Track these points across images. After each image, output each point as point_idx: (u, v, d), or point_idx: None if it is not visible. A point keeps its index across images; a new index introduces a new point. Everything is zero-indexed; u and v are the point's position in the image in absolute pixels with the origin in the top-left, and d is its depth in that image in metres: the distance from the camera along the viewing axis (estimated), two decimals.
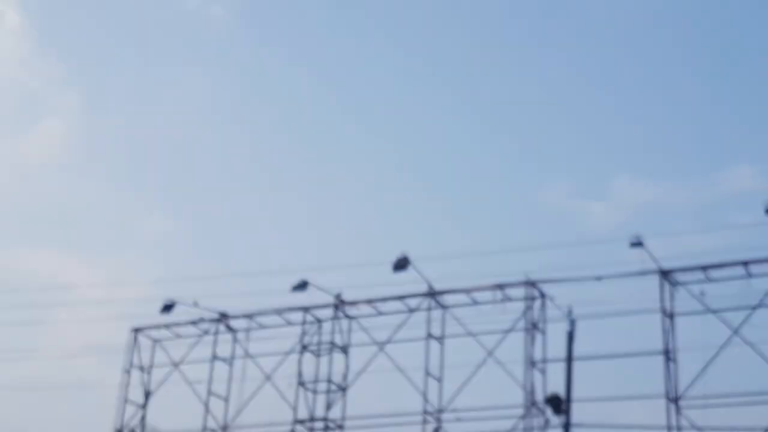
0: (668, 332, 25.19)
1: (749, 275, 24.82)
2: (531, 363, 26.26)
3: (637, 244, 25.03)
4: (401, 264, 27.83)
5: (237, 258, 51.01)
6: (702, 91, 56.91)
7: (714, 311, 24.85)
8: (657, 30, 58.68)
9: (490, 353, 26.82)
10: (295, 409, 29.07)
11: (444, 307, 28.34)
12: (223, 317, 31.48)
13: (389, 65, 62.85)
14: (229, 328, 31.52)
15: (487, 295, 27.70)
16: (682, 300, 25.74)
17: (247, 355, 30.84)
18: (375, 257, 31.58)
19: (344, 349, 29.59)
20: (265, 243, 56.35)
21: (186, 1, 67.37)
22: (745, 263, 24.63)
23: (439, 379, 27.76)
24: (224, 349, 31.43)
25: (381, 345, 28.69)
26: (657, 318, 25.40)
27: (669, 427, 24.11)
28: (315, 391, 29.26)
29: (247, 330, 31.16)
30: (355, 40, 64.96)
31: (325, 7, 65.08)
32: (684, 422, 24.15)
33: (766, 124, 53.64)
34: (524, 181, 57.52)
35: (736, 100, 55.74)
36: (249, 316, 31.05)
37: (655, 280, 25.64)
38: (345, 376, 29.27)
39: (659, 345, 25.07)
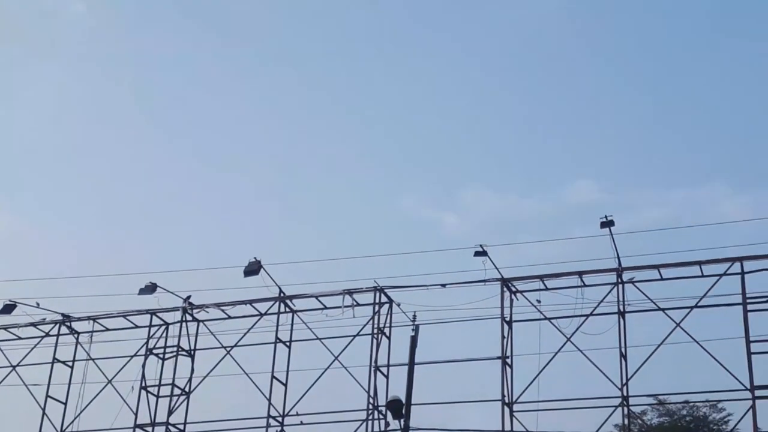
0: (506, 338, 26.19)
1: (584, 284, 26.06)
2: (375, 367, 26.78)
3: (481, 253, 25.95)
4: (252, 269, 27.87)
5: (83, 260, 49.76)
6: (547, 108, 59.33)
7: (549, 318, 26.02)
8: (502, 49, 60.71)
9: (336, 357, 27.21)
10: (136, 413, 28.62)
11: (293, 311, 28.55)
12: (66, 319, 30.68)
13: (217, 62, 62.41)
14: (72, 330, 30.73)
15: (336, 300, 28.07)
16: (522, 307, 26.90)
17: (90, 358, 30.16)
18: (227, 262, 31.56)
19: (190, 353, 29.36)
20: (115, 245, 55.07)
21: None
22: (580, 273, 25.87)
23: (285, 384, 27.93)
24: (67, 352, 30.70)
25: (228, 349, 28.64)
26: (497, 324, 26.40)
27: (503, 431, 25.01)
28: (158, 396, 28.88)
29: (91, 333, 30.48)
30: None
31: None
32: (517, 426, 25.13)
33: (607, 142, 56.41)
34: (381, 191, 58.51)
35: (579, 118, 58.35)
36: (93, 319, 30.40)
37: (496, 288, 26.62)
38: (190, 381, 29.05)
39: (498, 351, 26.04)
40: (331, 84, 61.14)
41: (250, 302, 28.82)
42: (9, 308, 30.15)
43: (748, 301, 24.23)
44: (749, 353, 23.59)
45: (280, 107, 61.70)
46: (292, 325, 28.48)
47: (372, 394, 26.41)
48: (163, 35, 63.69)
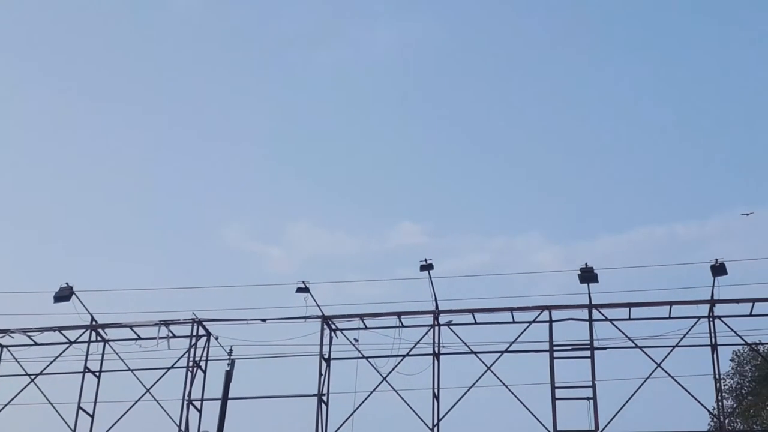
0: (323, 375, 26.29)
1: (402, 325, 26.55)
2: (189, 401, 26.22)
3: (303, 289, 26.02)
4: (63, 294, 26.79)
5: None
6: (376, 151, 60.37)
7: (367, 357, 26.32)
8: (332, 88, 61.50)
9: (147, 390, 26.47)
10: None
11: (105, 340, 27.59)
12: None
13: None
14: None
15: (152, 331, 27.35)
16: (341, 345, 27.10)
17: None
18: (36, 286, 30.18)
19: None
20: None
21: None
22: (399, 314, 26.36)
23: (92, 415, 26.88)
24: None
25: (33, 377, 27.32)
26: (316, 361, 26.46)
27: None
28: None
29: None
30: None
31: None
32: None
33: (432, 187, 57.96)
34: (205, 220, 57.56)
35: (406, 162, 59.68)
36: None
37: (317, 325, 26.71)
38: None
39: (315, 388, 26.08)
40: (154, 106, 59.94)
41: (59, 329, 27.65)
42: None
43: (554, 348, 25.36)
44: (554, 398, 24.66)
45: (89, 129, 59.79)
46: (103, 354, 27.56)
47: (183, 428, 25.82)
48: None
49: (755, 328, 25.46)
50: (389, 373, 25.84)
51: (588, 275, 25.02)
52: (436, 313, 26.23)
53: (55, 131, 58.99)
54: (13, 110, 59.24)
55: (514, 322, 26.07)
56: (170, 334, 27.01)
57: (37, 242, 54.88)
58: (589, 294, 25.41)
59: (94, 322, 27.44)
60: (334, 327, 26.96)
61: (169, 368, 26.75)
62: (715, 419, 27.32)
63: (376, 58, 62.06)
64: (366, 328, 26.85)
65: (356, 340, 26.50)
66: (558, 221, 56.00)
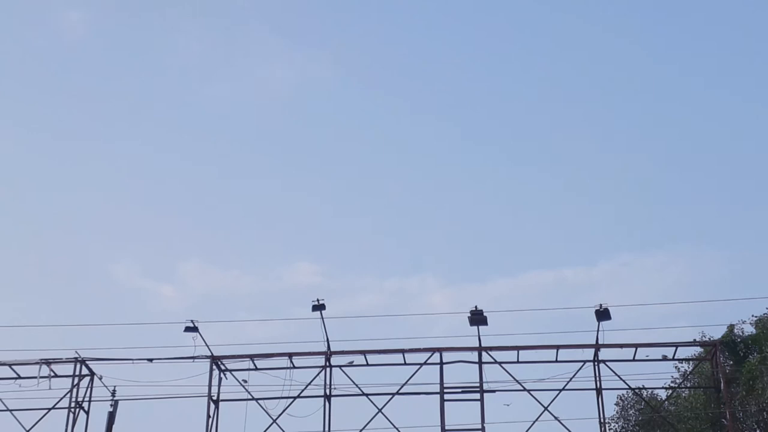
0: (212, 417, 25.80)
1: (293, 366, 26.32)
2: None
3: (192, 329, 25.58)
4: None
5: None
6: (273, 190, 60.15)
7: (256, 399, 25.95)
8: (232, 130, 61.25)
9: (27, 431, 25.50)
10: None
11: None
12: None
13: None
14: None
15: (32, 370, 26.36)
16: (231, 386, 26.66)
17: None
18: None
19: None
20: None
21: None
22: (290, 355, 26.14)
23: None
24: None
25: None
26: (205, 402, 25.98)
27: None
28: None
29: None
30: None
31: None
32: None
33: (327, 227, 57.95)
34: (91, 255, 56.00)
35: (304, 203, 59.65)
36: None
37: (206, 365, 26.25)
38: None
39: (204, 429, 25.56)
40: (41, 138, 58.42)
41: None
42: None
43: (445, 390, 25.54)
44: None
45: None
46: None
47: None
48: None
49: (639, 373, 26.24)
50: (279, 415, 25.61)
51: (478, 318, 25.36)
52: (328, 354, 26.11)
53: None
54: None
55: (405, 363, 26.17)
56: (52, 374, 26.10)
57: None
58: (479, 336, 25.77)
59: None
60: (223, 367, 26.53)
61: (50, 409, 25.84)
62: None
63: (271, 94, 62.14)
64: (256, 369, 26.53)
65: (245, 381, 26.15)
66: (451, 264, 56.70)
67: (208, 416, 25.71)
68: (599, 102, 60.43)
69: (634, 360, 26.02)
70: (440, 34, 63.11)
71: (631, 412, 32.00)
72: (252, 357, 26.31)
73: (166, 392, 26.08)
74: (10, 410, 26.02)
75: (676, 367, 29.55)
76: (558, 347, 25.78)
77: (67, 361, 26.25)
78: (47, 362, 26.11)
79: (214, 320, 27.02)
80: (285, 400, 25.91)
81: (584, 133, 59.11)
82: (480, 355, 25.80)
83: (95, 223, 57.25)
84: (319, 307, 25.51)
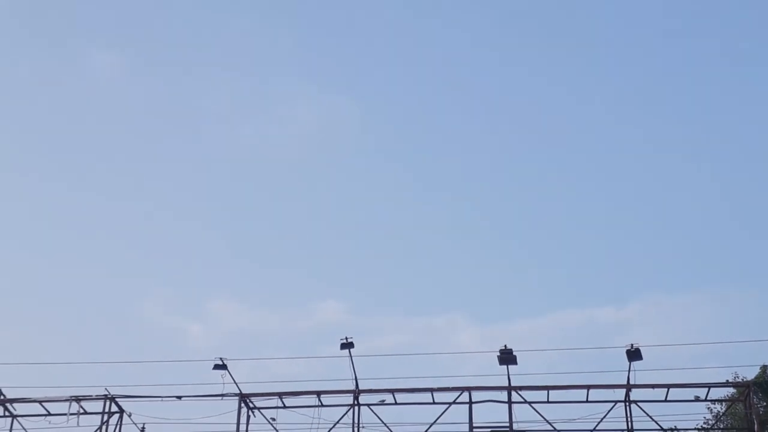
0: None
1: (321, 404, 26.23)
2: None
3: (221, 366, 25.61)
4: None
5: None
6: (299, 226, 60.36)
7: None
8: (256, 161, 61.59)
9: None
10: None
11: (13, 416, 26.61)
12: None
13: None
14: None
15: (62, 407, 26.49)
16: (259, 424, 26.59)
17: None
18: None
19: None
20: None
21: None
22: (319, 393, 26.05)
23: None
24: None
25: None
26: None
27: None
28: None
29: None
30: None
31: None
32: None
33: (356, 266, 58.04)
34: (121, 294, 56.34)
35: (331, 240, 59.79)
36: None
37: (234, 403, 26.23)
38: None
39: None
40: (72, 179, 59.15)
41: None
42: None
43: (474, 429, 25.30)
44: None
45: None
46: (11, 430, 26.52)
47: None
48: None
49: (671, 414, 25.88)
50: None
51: (507, 357, 25.18)
52: (356, 393, 26.00)
53: None
54: None
55: (434, 402, 25.99)
56: (81, 410, 26.21)
57: None
58: (509, 376, 25.55)
59: (2, 396, 26.48)
60: (251, 405, 26.48)
61: None
62: None
63: (297, 132, 62.61)
64: (285, 407, 26.45)
65: (273, 419, 26.06)
66: (480, 303, 56.47)
67: None
68: (636, 139, 60.24)
69: (666, 401, 25.66)
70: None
71: None
72: (280, 395, 26.25)
73: (194, 430, 26.14)
74: None
75: (708, 408, 29.23)
76: (589, 387, 25.51)
77: (97, 398, 26.35)
78: (77, 399, 26.22)
79: (243, 357, 27.07)
80: None
81: (612, 170, 58.98)
82: (510, 395, 25.58)
83: (125, 261, 57.67)
84: (347, 345, 25.45)
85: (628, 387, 25.41)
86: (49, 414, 26.52)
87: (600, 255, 57.01)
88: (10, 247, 56.20)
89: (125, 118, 61.74)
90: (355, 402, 25.96)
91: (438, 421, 25.57)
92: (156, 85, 62.18)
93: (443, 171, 60.90)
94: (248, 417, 26.40)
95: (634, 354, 24.87)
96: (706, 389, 25.96)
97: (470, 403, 25.65)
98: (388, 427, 25.74)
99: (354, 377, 25.94)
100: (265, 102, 63.37)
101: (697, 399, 26.71)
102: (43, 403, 26.48)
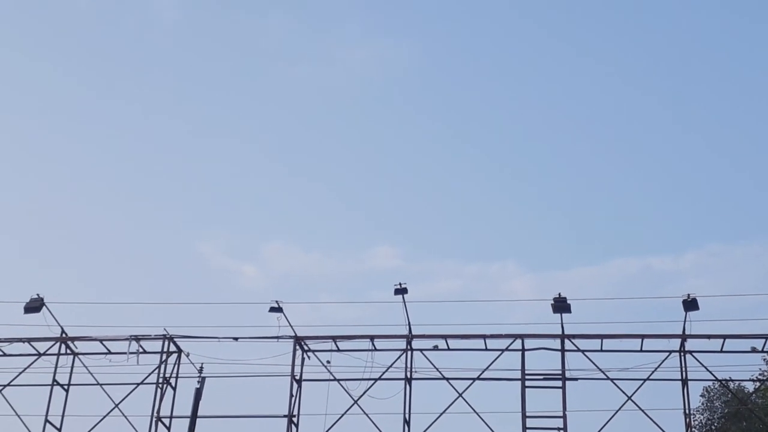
0: (294, 396, 26.16)
1: (374, 349, 26.49)
2: (158, 418, 26.00)
3: (276, 309, 25.92)
4: (34, 306, 26.55)
5: None
6: (355, 172, 60.47)
7: (338, 380, 26.22)
8: (310, 108, 61.60)
9: (116, 405, 26.26)
10: None
11: (74, 353, 27.35)
12: None
13: None
14: None
15: (122, 346, 27.10)
16: (313, 366, 26.99)
17: None
18: (6, 296, 29.90)
19: None
20: None
21: None
22: (372, 337, 26.31)
23: (59, 429, 26.61)
24: None
25: (0, 388, 27.03)
26: (287, 381, 26.32)
27: None
28: None
29: None
30: None
31: None
32: None
33: (410, 211, 58.11)
34: (177, 235, 57.26)
35: (386, 185, 59.82)
36: None
37: (289, 345, 26.59)
38: None
39: (286, 408, 25.93)
40: (132, 121, 59.74)
41: (29, 340, 27.37)
42: None
43: (526, 377, 25.39)
44: (524, 427, 24.67)
45: (70, 144, 59.41)
46: (72, 367, 27.27)
47: None
48: None
49: (726, 365, 25.67)
50: (361, 396, 25.76)
51: (561, 305, 25.11)
52: (409, 338, 26.20)
53: (31, 142, 58.69)
54: None
55: (486, 349, 26.09)
56: (140, 350, 26.82)
57: (10, 252, 54.39)
58: (562, 324, 25.52)
59: (64, 335, 27.20)
60: (306, 348, 26.86)
61: (138, 384, 26.52)
62: None
63: (355, 75, 62.34)
64: (338, 350, 26.76)
65: (328, 362, 26.42)
66: (534, 250, 56.26)
67: (291, 395, 26.06)
68: (690, 92, 59.01)
69: (721, 351, 25.43)
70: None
71: (717, 404, 31.50)
72: (334, 338, 26.56)
73: (250, 370, 26.61)
74: (101, 384, 26.83)
75: (765, 359, 28.89)
76: (643, 337, 25.38)
77: (156, 337, 26.90)
78: (136, 338, 26.81)
79: (298, 301, 27.35)
80: (366, 381, 26.10)
81: (671, 123, 57.90)
82: (563, 343, 25.56)
83: (183, 203, 58.50)
84: (401, 291, 25.57)
85: (684, 337, 25.23)
86: (110, 352, 27.15)
87: (657, 203, 56.29)
88: (70, 189, 57.39)
89: (186, 57, 61.98)
90: (408, 347, 26.18)
91: (490, 368, 25.71)
92: (216, 24, 62.21)
93: (502, 117, 60.30)
94: (303, 359, 26.82)
95: (690, 304, 24.63)
96: (763, 340, 25.66)
97: (523, 350, 25.70)
98: (440, 372, 25.94)
99: (407, 322, 26.14)
100: (323, 45, 63.10)
101: (753, 350, 26.43)
102: (104, 342, 27.13)
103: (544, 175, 58.78)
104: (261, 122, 61.09)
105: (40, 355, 27.37)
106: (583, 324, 25.70)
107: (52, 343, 27.27)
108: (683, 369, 25.22)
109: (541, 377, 25.54)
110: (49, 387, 26.87)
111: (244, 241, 57.55)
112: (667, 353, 25.32)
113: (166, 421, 26.18)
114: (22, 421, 26.44)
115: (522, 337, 25.74)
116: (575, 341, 25.55)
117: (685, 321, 24.92)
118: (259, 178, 60.51)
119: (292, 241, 57.79)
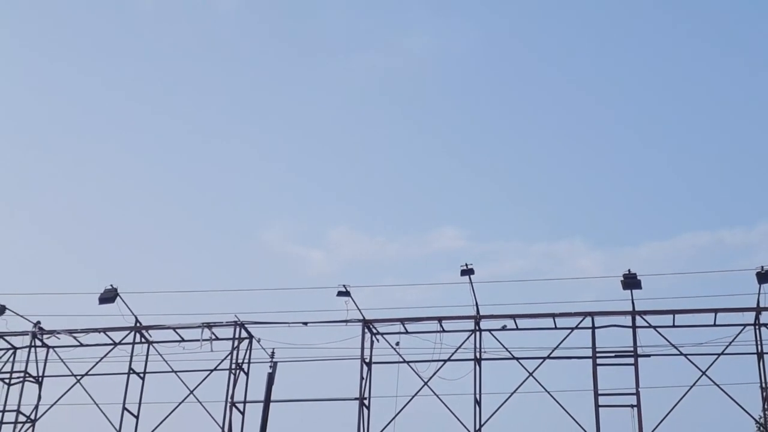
0: (365, 379, 26.35)
1: (443, 330, 26.53)
2: (231, 403, 26.43)
3: (344, 293, 26.10)
4: (108, 296, 27.15)
5: None
6: (418, 153, 60.34)
7: (408, 362, 26.33)
8: (370, 90, 61.57)
9: (191, 391, 26.74)
10: None
11: (149, 342, 27.92)
12: None
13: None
14: None
15: (194, 333, 27.60)
16: (381, 349, 27.15)
17: None
18: (81, 288, 30.61)
19: (38, 380, 28.28)
20: None
21: None
22: (440, 319, 26.35)
23: (137, 416, 27.22)
24: None
25: (79, 377, 27.75)
26: (358, 364, 26.53)
27: None
28: (2, 422, 27.66)
29: None
30: None
31: None
32: None
33: (474, 191, 57.79)
34: (244, 222, 57.88)
35: (449, 166, 59.58)
36: None
37: (358, 329, 26.77)
38: (36, 408, 27.96)
39: (357, 391, 26.15)
40: (198, 108, 60.47)
41: (104, 330, 28.04)
42: None
43: (597, 354, 25.19)
44: (597, 405, 24.52)
45: (140, 133, 60.39)
46: (147, 356, 27.85)
47: (227, 430, 26.03)
48: None
49: None
50: (431, 377, 25.84)
51: (631, 281, 24.83)
52: (477, 318, 26.18)
53: (99, 130, 59.73)
54: (56, 111, 60.18)
55: (556, 328, 25.95)
56: (213, 336, 27.25)
57: (85, 244, 55.62)
58: (633, 300, 25.24)
59: (138, 324, 27.77)
60: (375, 331, 27.01)
61: (212, 370, 26.98)
62: (761, 428, 26.92)
63: (413, 63, 62.08)
64: (407, 332, 26.85)
65: (397, 344, 26.53)
66: (601, 226, 55.54)
67: (362, 378, 26.26)
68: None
69: None
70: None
71: None
72: (402, 320, 26.67)
73: (320, 354, 26.90)
74: (175, 371, 27.36)
75: None
76: (716, 311, 24.97)
77: (227, 324, 27.30)
78: (208, 325, 27.26)
79: (365, 284, 27.47)
80: (435, 363, 26.17)
81: (746, 90, 56.58)
82: (634, 319, 25.30)
83: (247, 190, 59.10)
84: (467, 272, 25.53)
85: (758, 310, 24.77)
86: (183, 340, 27.70)
87: (728, 175, 55.10)
88: (142, 181, 58.44)
89: (247, 48, 62.47)
90: (476, 327, 26.16)
91: (560, 346, 25.56)
92: (274, 14, 62.55)
93: (563, 96, 59.58)
94: (372, 342, 26.98)
95: (764, 276, 24.16)
96: None
97: (593, 328, 25.50)
98: (510, 351, 25.89)
99: (474, 303, 26.11)
100: (384, 31, 63.02)
101: None
102: (177, 330, 27.64)
103: (609, 149, 57.95)
104: (318, 109, 61.37)
105: (115, 344, 28.02)
106: (654, 300, 25.44)
107: (127, 332, 27.88)
108: (758, 342, 24.80)
109: (613, 354, 25.31)
110: (126, 375, 27.49)
111: (310, 227, 57.92)
112: (742, 327, 24.91)
113: (240, 406, 26.60)
114: (100, 409, 27.13)
115: (592, 314, 25.53)
116: (647, 317, 25.27)
117: (759, 293, 24.49)
118: (321, 163, 60.84)
119: (357, 226, 57.95)
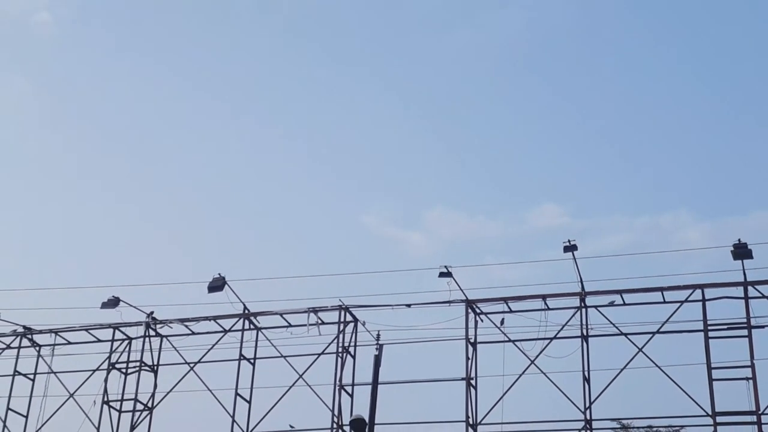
0: (471, 359, 26.34)
1: (547, 308, 26.28)
2: (340, 386, 26.80)
3: (446, 274, 26.08)
4: (217, 284, 27.81)
5: (44, 272, 49.12)
6: (515, 131, 59.75)
7: (513, 341, 26.20)
8: (468, 70, 61.10)
9: (300, 375, 27.22)
10: (98, 427, 28.42)
11: (257, 328, 28.50)
12: (27, 331, 30.40)
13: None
14: (33, 343, 30.46)
15: (301, 318, 28.07)
16: (486, 329, 27.06)
17: (52, 371, 29.91)
18: (190, 277, 31.49)
19: (153, 369, 29.22)
20: (78, 258, 54.56)
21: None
22: (544, 297, 26.09)
23: (249, 401, 27.86)
24: (28, 365, 30.49)
25: (192, 365, 28.56)
26: (462, 345, 26.55)
27: None
28: (120, 411, 28.71)
29: (53, 346, 30.19)
30: None
31: None
32: None
33: (573, 166, 57.00)
34: (344, 207, 58.43)
35: (547, 142, 58.87)
36: (55, 332, 30.12)
37: (461, 309, 26.76)
38: (152, 396, 28.90)
39: (463, 372, 26.18)
40: (290, 102, 61.21)
41: (215, 318, 28.75)
42: None
43: (709, 327, 24.58)
44: (710, 379, 23.93)
45: (238, 127, 61.46)
46: (256, 342, 28.42)
47: (336, 412, 26.41)
48: None
49: None
50: (537, 356, 25.65)
51: (742, 251, 24.11)
52: (583, 295, 25.83)
53: (193, 128, 61.14)
54: (146, 110, 61.78)
55: (664, 302, 25.40)
56: (319, 321, 27.63)
57: (192, 236, 57.09)
58: (744, 271, 24.51)
59: (246, 311, 28.37)
60: (478, 311, 26.95)
61: (319, 354, 27.38)
62: None
63: (506, 40, 61.38)
64: (511, 311, 26.70)
65: (502, 323, 26.39)
66: (706, 197, 54.12)
67: (467, 358, 26.25)
68: None
69: None
70: None
71: None
72: (506, 300, 26.54)
73: (424, 335, 27.00)
74: (284, 356, 27.87)
75: None
76: None
77: (332, 308, 27.65)
78: (314, 310, 27.66)
79: (467, 264, 27.38)
80: (541, 341, 25.96)
81: None
82: (746, 290, 24.56)
83: (344, 175, 59.62)
84: (570, 248, 25.17)
85: None
86: (290, 325, 28.20)
87: None
88: (245, 171, 59.57)
89: (328, 35, 62.85)
90: (582, 304, 25.82)
91: (670, 320, 25.04)
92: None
93: (663, 65, 58.07)
94: (476, 322, 26.94)
95: None
96: None
97: (703, 300, 24.88)
98: (617, 327, 25.48)
99: (579, 279, 25.77)
100: (481, 6, 62.46)
101: None
102: (284, 316, 28.14)
103: (710, 117, 56.31)
104: (411, 90, 61.29)
105: (225, 331, 28.71)
106: (766, 269, 24.63)
107: (236, 319, 28.53)
108: None
109: (725, 327, 24.66)
110: (237, 362, 28.14)
111: (407, 210, 58.11)
112: None
113: (348, 389, 26.93)
114: (213, 395, 27.87)
115: (702, 287, 24.91)
116: (759, 288, 24.51)
117: None
118: (417, 144, 60.86)
119: (455, 206, 57.83)
